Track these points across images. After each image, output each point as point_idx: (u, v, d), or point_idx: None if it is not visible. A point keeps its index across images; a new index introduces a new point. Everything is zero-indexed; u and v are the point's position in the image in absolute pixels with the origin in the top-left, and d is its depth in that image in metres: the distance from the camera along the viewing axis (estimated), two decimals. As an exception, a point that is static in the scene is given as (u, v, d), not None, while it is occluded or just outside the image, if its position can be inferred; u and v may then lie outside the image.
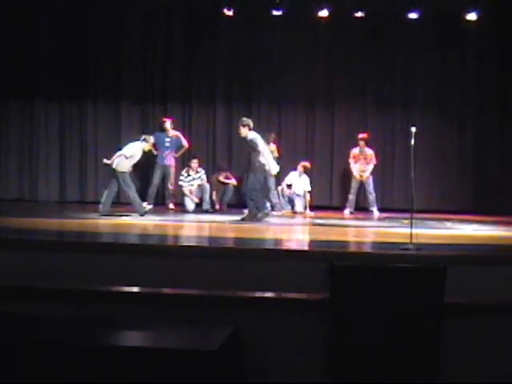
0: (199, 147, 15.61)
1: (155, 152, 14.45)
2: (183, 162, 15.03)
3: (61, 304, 6.21)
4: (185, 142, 14.74)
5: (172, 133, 14.62)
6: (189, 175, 14.26)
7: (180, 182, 14.25)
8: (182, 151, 14.80)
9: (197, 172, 14.29)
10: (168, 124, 14.61)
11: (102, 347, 5.13)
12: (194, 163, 14.26)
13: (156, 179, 14.29)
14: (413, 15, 14.59)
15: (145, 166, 14.62)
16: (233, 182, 14.44)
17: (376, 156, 14.76)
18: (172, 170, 14.53)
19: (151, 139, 12.95)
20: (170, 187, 14.50)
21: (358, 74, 15.74)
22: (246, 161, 15.13)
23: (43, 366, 5.02)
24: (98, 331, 5.52)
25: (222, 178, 14.42)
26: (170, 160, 14.47)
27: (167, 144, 14.46)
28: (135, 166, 12.92)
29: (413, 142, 8.22)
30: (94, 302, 6.22)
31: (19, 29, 15.28)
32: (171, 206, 14.39)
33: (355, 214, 14.47)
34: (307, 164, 14.79)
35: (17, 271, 6.72)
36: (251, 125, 12.35)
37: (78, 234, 9.29)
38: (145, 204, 13.30)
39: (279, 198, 14.56)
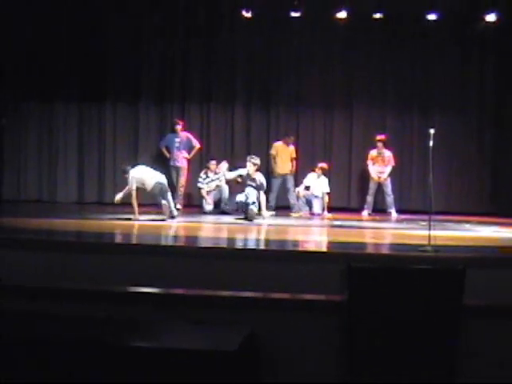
0: (217, 149, 15.64)
1: (168, 155, 14.52)
2: (201, 164, 15.06)
3: (79, 304, 6.22)
4: (195, 143, 14.77)
5: (182, 134, 14.65)
6: (207, 177, 14.28)
7: (198, 184, 14.24)
8: (193, 152, 14.81)
9: (215, 173, 14.28)
10: (179, 126, 14.65)
11: (120, 347, 5.14)
12: (212, 164, 14.27)
13: (173, 181, 14.34)
14: (432, 16, 14.53)
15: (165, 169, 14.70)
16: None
17: (394, 157, 14.72)
18: (183, 172, 14.56)
19: None
20: (181, 188, 14.52)
21: (377, 75, 15.70)
22: (264, 163, 15.22)
23: (60, 364, 5.05)
24: (116, 331, 5.53)
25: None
26: (181, 161, 14.52)
27: (177, 145, 14.52)
28: (158, 169, 12.98)
29: (431, 143, 8.19)
30: (113, 303, 6.23)
31: (38, 31, 15.35)
32: (178, 206, 14.28)
33: (373, 216, 14.44)
34: (325, 165, 14.75)
35: (36, 271, 6.75)
36: (259, 164, 12.96)
37: (96, 235, 9.32)
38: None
39: (297, 199, 14.56)
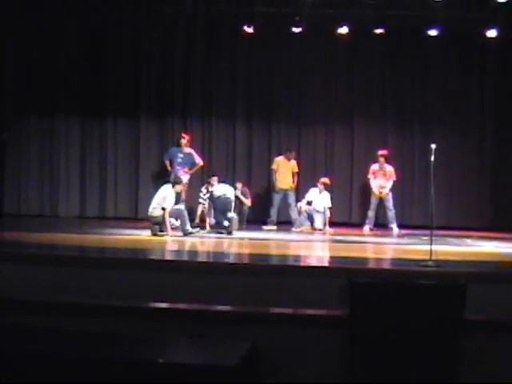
0: (219, 164, 15.66)
1: (169, 168, 14.51)
2: (202, 180, 15.05)
3: (80, 318, 6.23)
4: (198, 160, 14.74)
5: (186, 149, 14.64)
6: (208, 192, 14.28)
7: (200, 200, 14.23)
8: (195, 168, 14.76)
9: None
10: (184, 141, 14.63)
11: (121, 362, 5.13)
12: (214, 180, 14.24)
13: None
14: (432, 32, 14.56)
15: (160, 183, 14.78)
16: (246, 201, 14.37)
17: (395, 172, 14.73)
18: (185, 187, 14.54)
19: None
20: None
21: (378, 90, 15.75)
22: (265, 178, 15.25)
23: (61, 379, 5.04)
24: (115, 346, 5.54)
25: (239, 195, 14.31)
26: (182, 176, 14.48)
27: (179, 160, 14.47)
28: (159, 183, 13.01)
29: (433, 158, 8.21)
30: (114, 317, 6.23)
31: (40, 45, 15.39)
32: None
33: (374, 231, 14.44)
34: (327, 180, 14.75)
35: (37, 286, 6.75)
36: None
37: (98, 250, 9.33)
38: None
39: (299, 214, 14.55)
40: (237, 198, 13.85)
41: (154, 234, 11.74)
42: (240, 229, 13.46)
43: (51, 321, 6.14)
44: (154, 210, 12.00)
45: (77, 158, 15.95)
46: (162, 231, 11.87)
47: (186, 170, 14.54)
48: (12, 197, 15.77)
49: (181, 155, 14.51)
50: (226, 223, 12.56)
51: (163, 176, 14.49)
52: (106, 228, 12.74)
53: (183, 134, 14.83)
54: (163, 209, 11.83)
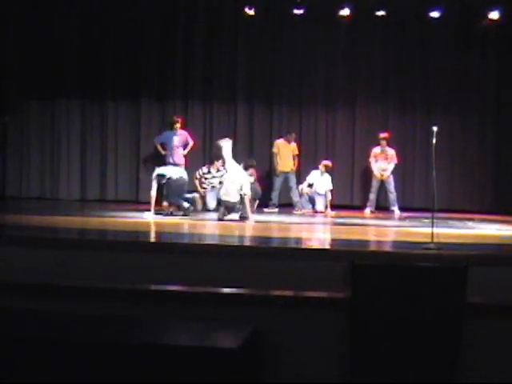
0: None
1: (163, 152, 14.54)
2: (198, 162, 15.06)
3: (82, 302, 6.22)
4: (190, 140, 14.85)
5: (180, 132, 14.71)
6: (209, 172, 14.27)
7: (198, 177, 14.23)
8: (188, 148, 14.84)
9: (218, 170, 14.26)
10: (178, 124, 14.69)
11: (122, 345, 5.13)
12: (219, 162, 14.20)
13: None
14: (434, 14, 14.53)
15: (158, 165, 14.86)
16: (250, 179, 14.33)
17: (397, 155, 14.72)
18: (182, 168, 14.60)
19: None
20: None
21: (379, 73, 15.70)
22: (267, 161, 15.23)
23: (61, 362, 5.05)
24: (117, 328, 5.53)
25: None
26: (179, 158, 14.51)
27: (175, 142, 14.56)
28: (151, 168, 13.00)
29: (434, 141, 8.18)
30: (115, 300, 6.23)
31: (40, 29, 15.36)
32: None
33: (376, 214, 14.45)
34: (329, 163, 14.75)
35: (38, 269, 6.75)
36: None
37: (99, 232, 9.33)
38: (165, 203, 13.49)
39: (300, 196, 14.55)
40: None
41: (221, 219, 11.78)
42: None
43: (52, 304, 6.14)
44: (230, 194, 11.92)
45: (77, 142, 15.96)
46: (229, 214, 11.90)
47: (182, 151, 14.58)
48: (13, 180, 15.78)
49: (176, 138, 14.57)
50: (185, 205, 12.45)
51: (163, 158, 14.48)
52: (107, 211, 12.73)
53: (176, 118, 14.82)
54: (242, 195, 11.80)
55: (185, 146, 14.79)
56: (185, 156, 14.76)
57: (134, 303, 6.19)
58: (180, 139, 14.65)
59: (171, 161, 14.52)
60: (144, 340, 5.25)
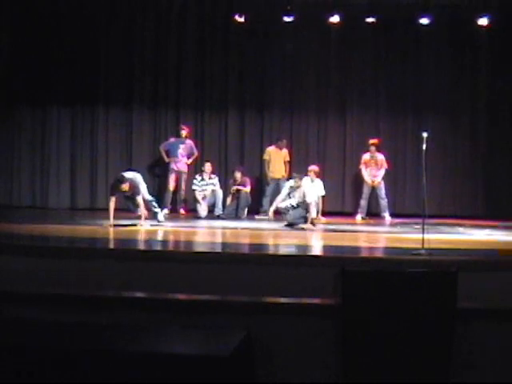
0: (212, 154, 15.58)
1: (166, 159, 14.57)
2: (196, 170, 15.05)
3: (72, 310, 6.21)
4: (195, 151, 14.99)
5: (186, 141, 14.83)
6: (202, 179, 14.27)
7: (193, 186, 14.23)
8: (192, 158, 14.95)
9: (210, 177, 14.27)
10: (184, 132, 14.77)
11: (114, 352, 5.12)
12: (208, 167, 14.25)
13: (171, 186, 14.44)
14: (424, 20, 14.55)
15: (160, 173, 15.15)
16: (245, 189, 14.34)
17: (387, 161, 14.73)
18: (185, 176, 14.67)
19: None
20: (182, 193, 14.65)
21: (370, 79, 15.71)
22: (258, 168, 15.25)
23: (53, 370, 5.03)
24: (109, 337, 5.52)
25: (235, 187, 14.30)
26: (183, 166, 14.63)
27: (181, 151, 14.66)
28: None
29: (424, 146, 8.20)
30: (106, 308, 6.22)
31: (31, 35, 15.33)
32: (182, 211, 14.63)
33: (367, 220, 14.44)
34: (316, 168, 14.54)
35: (28, 277, 6.73)
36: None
37: (89, 241, 9.30)
38: (165, 210, 13.78)
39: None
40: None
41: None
42: (239, 216, 13.93)
43: (43, 312, 6.13)
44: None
45: (68, 150, 15.87)
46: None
47: (186, 160, 14.67)
48: (3, 188, 15.73)
49: (182, 146, 14.65)
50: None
51: (156, 166, 14.50)
52: (97, 219, 12.69)
53: (183, 126, 14.88)
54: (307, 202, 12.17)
55: (189, 156, 14.87)
56: (188, 165, 14.82)
57: (125, 311, 6.18)
58: (186, 148, 14.75)
59: (175, 168, 14.57)
60: (135, 348, 5.24)
